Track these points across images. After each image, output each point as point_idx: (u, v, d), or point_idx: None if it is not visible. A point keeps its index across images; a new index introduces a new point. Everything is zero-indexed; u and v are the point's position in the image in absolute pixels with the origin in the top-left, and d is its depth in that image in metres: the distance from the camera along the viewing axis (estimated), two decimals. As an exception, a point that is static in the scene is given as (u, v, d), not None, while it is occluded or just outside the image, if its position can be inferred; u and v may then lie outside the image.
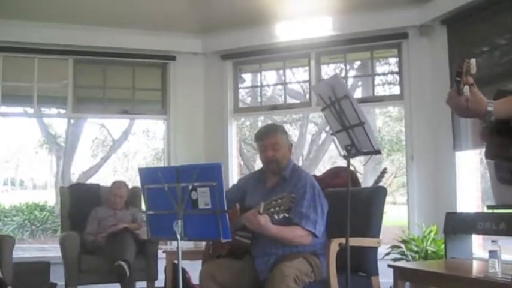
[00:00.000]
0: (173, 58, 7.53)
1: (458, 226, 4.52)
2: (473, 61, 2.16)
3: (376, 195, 4.00)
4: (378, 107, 10.80)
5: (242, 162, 13.53)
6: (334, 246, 3.55)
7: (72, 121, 15.55)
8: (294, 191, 3.58)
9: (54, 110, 10.31)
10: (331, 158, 17.18)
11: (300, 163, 14.51)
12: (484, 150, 2.56)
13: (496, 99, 2.48)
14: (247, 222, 3.53)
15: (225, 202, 2.99)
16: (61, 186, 7.05)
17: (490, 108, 2.23)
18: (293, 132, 15.99)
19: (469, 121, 5.51)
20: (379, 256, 4.06)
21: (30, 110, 8.46)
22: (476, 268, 3.94)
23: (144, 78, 7.78)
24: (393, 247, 5.69)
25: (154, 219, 3.28)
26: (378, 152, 3.22)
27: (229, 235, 3.05)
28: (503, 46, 5.70)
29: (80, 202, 6.11)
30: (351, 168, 5.38)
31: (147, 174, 3.31)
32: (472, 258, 4.42)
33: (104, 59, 7.39)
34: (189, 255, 5.05)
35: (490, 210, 4.20)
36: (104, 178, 15.66)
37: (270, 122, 12.75)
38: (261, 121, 13.70)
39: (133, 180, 14.93)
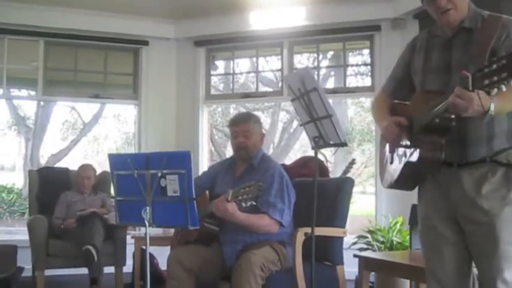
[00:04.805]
0: (146, 43, 7.47)
1: (423, 218, 4.60)
2: None
3: (344, 186, 4.05)
4: (349, 97, 10.88)
5: (213, 149, 13.51)
6: (300, 235, 3.60)
7: (42, 103, 15.36)
8: (262, 180, 3.62)
9: (24, 92, 10.18)
10: (302, 146, 17.19)
11: (271, 151, 14.52)
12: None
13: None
14: (215, 210, 3.57)
15: (193, 190, 3.01)
16: (30, 169, 6.99)
17: (493, 104, 2.16)
18: (265, 119, 15.95)
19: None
20: (346, 245, 4.12)
21: (-1, 91, 8.29)
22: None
23: (116, 63, 7.70)
24: (359, 237, 5.76)
25: (123, 205, 3.28)
26: (344, 144, 3.26)
27: (197, 223, 3.07)
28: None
29: (49, 186, 6.08)
30: (322, 158, 5.45)
31: (117, 160, 3.31)
32: (435, 250, 4.50)
33: (76, 41, 7.27)
34: (157, 241, 5.07)
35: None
36: (74, 161, 15.45)
37: (242, 109, 12.76)
38: (233, 108, 13.66)
39: (103, 165, 14.81)
